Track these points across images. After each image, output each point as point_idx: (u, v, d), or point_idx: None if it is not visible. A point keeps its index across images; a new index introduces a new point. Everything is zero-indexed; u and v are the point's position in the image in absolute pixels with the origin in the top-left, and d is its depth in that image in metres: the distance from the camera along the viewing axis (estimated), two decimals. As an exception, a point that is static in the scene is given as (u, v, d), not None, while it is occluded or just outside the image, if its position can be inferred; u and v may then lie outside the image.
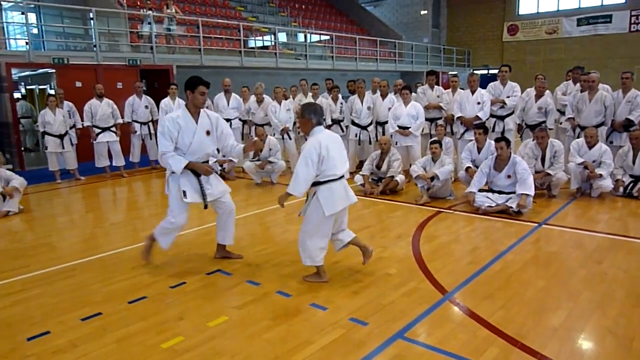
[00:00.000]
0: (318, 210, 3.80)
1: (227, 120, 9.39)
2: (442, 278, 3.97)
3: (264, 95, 9.36)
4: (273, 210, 6.44)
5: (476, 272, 4.10)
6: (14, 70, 10.47)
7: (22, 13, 10.47)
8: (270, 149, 7.95)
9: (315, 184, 3.81)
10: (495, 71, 8.53)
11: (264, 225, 5.80)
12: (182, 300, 3.68)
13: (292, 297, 3.66)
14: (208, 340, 3.07)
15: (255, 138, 6.29)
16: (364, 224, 5.65)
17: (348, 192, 3.95)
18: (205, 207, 4.24)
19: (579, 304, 3.47)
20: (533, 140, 6.66)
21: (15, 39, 11.85)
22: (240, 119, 9.60)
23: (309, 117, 3.83)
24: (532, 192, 5.75)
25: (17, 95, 12.80)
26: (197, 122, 4.14)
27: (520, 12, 24.32)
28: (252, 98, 9.35)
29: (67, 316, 3.45)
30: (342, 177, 3.89)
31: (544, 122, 7.42)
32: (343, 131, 8.83)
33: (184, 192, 4.14)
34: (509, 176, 5.94)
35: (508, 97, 7.56)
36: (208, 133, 4.20)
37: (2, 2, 11.28)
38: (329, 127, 8.79)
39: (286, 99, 9.14)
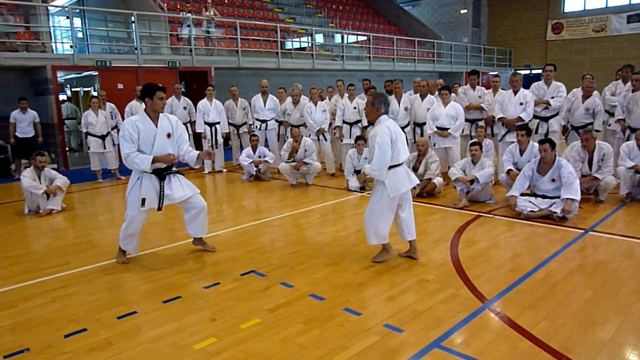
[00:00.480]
0: (384, 192, 4.16)
1: (264, 121, 9.48)
2: (482, 285, 3.82)
3: (302, 96, 9.35)
4: (308, 211, 6.40)
5: (517, 280, 3.93)
6: (60, 73, 10.86)
7: (68, 17, 10.83)
8: (305, 150, 7.92)
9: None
10: (538, 71, 8.24)
11: (298, 227, 5.76)
12: (215, 301, 3.68)
13: (325, 301, 3.59)
14: (240, 342, 3.04)
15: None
16: (400, 227, 5.52)
17: (410, 175, 4.32)
18: (159, 209, 4.47)
19: (629, 317, 3.26)
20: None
21: (62, 42, 12.29)
22: (276, 120, 9.62)
23: (379, 106, 4.18)
24: (578, 197, 5.49)
25: (62, 97, 13.29)
26: (156, 126, 4.33)
27: (566, 10, 23.49)
28: (289, 99, 9.35)
29: (104, 314, 3.50)
30: (403, 162, 4.28)
31: (591, 124, 7.09)
32: (379, 132, 8.70)
33: (143, 200, 4.35)
34: (553, 180, 5.69)
35: (553, 97, 7.26)
36: (169, 135, 4.39)
37: (49, 7, 11.70)
38: (364, 128, 8.71)
39: (322, 100, 9.10)
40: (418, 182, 4.35)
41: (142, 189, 4.34)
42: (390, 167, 4.12)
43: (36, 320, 3.46)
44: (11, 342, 3.14)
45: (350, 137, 8.66)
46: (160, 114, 4.37)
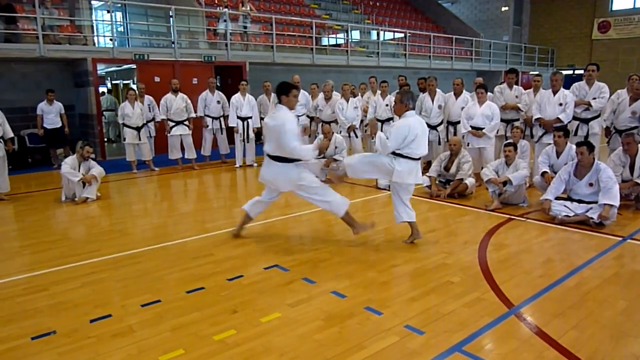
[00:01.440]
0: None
1: (296, 116, 9.47)
2: (509, 290, 3.70)
3: (334, 92, 9.31)
4: (335, 208, 6.35)
5: (547, 286, 3.79)
6: (101, 66, 11.18)
7: (109, 12, 11.12)
8: (336, 147, 7.89)
9: (396, 154, 4.48)
10: (582, 71, 7.91)
11: (325, 224, 5.74)
12: (238, 293, 3.70)
13: (347, 299, 3.56)
14: (259, 335, 3.05)
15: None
16: (429, 227, 5.43)
17: (418, 173, 4.61)
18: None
19: (666, 330, 3.10)
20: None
21: (103, 36, 12.64)
22: (307, 116, 9.61)
23: (407, 102, 4.49)
24: (617, 203, 5.26)
25: (102, 89, 13.67)
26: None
27: (614, 8, 22.62)
28: (321, 95, 9.33)
29: (129, 301, 3.58)
30: (419, 158, 4.58)
31: (636, 127, 6.78)
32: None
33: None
34: (591, 184, 5.47)
35: (594, 98, 6.98)
36: None
37: (91, 2, 12.04)
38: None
39: (354, 97, 9.03)
40: (422, 182, 4.80)
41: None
42: (403, 157, 4.45)
43: (65, 304, 3.56)
44: (40, 324, 3.24)
45: (381, 135, 8.56)
46: None
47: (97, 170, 6.91)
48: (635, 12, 21.92)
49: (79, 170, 6.79)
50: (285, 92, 4.57)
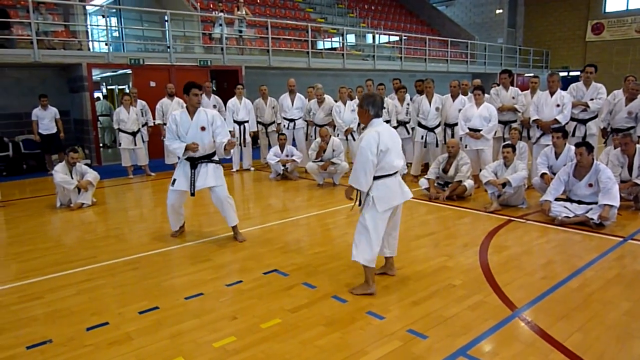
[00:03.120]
0: (372, 206, 3.60)
1: (291, 120, 9.45)
2: (512, 293, 3.66)
3: (326, 96, 9.29)
4: (334, 212, 6.32)
5: (550, 288, 3.75)
6: (96, 72, 11.11)
7: (104, 17, 11.06)
8: (333, 150, 7.85)
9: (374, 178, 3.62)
10: (576, 73, 7.92)
11: (324, 227, 5.69)
12: (237, 299, 3.64)
13: (348, 303, 3.51)
14: (260, 342, 2.99)
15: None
16: (428, 230, 5.39)
17: (403, 187, 3.76)
18: (192, 194, 4.96)
19: (672, 331, 3.06)
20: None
21: (98, 41, 12.56)
22: (304, 119, 9.58)
23: (367, 108, 3.65)
24: (617, 203, 5.23)
25: (97, 94, 13.59)
26: (191, 119, 4.86)
27: (607, 10, 22.73)
28: (315, 99, 9.29)
29: (126, 308, 3.51)
30: (396, 172, 3.71)
31: (633, 127, 6.77)
32: (409, 133, 8.57)
33: (174, 181, 4.96)
34: (590, 185, 5.45)
35: (592, 99, 6.97)
36: (203, 128, 4.84)
37: (86, 7, 11.98)
38: (394, 128, 8.56)
39: (351, 100, 9.00)
40: (411, 196, 3.81)
41: (176, 171, 5.02)
42: (380, 178, 3.59)
43: (61, 312, 3.49)
44: (35, 333, 3.18)
45: (379, 138, 8.52)
46: (200, 109, 4.90)
47: (91, 175, 6.84)
48: (628, 14, 22.04)
49: (71, 177, 6.71)
50: (186, 91, 4.83)
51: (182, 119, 4.88)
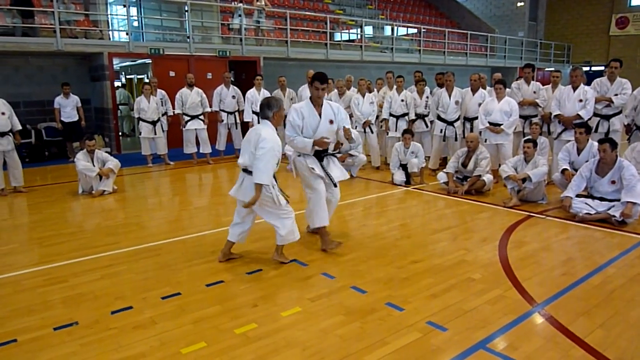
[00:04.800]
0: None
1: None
2: (531, 288, 3.65)
3: (353, 88, 9.28)
4: (351, 204, 6.34)
5: (571, 284, 3.73)
6: (115, 61, 11.22)
7: (125, 6, 11.15)
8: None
9: None
10: (598, 68, 7.78)
11: (341, 219, 5.71)
12: (257, 287, 3.69)
13: (367, 294, 3.53)
14: (280, 330, 3.03)
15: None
16: (446, 224, 5.38)
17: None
18: (335, 185, 4.60)
19: (695, 330, 3.03)
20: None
21: (118, 30, 12.67)
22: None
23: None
24: None
25: (116, 84, 13.72)
26: (319, 113, 4.44)
27: (633, 3, 22.23)
28: (335, 90, 9.28)
29: (149, 293, 3.58)
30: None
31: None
32: (427, 126, 8.52)
33: (312, 168, 4.47)
34: (613, 182, 5.38)
35: (616, 94, 6.86)
36: (331, 122, 4.45)
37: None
38: (412, 122, 8.53)
39: (370, 92, 8.97)
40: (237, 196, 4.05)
41: (308, 162, 4.50)
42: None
43: (85, 295, 3.57)
44: (61, 315, 3.26)
45: (396, 130, 8.52)
46: (325, 102, 4.50)
47: (112, 163, 6.93)
48: (654, 8, 21.57)
49: (92, 164, 6.82)
50: (310, 82, 4.56)
51: (308, 112, 4.43)
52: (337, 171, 4.68)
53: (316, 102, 4.45)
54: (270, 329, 3.04)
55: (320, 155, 4.54)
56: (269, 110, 4.03)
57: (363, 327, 3.05)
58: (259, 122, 9.70)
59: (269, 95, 9.54)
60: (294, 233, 4.11)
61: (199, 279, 3.85)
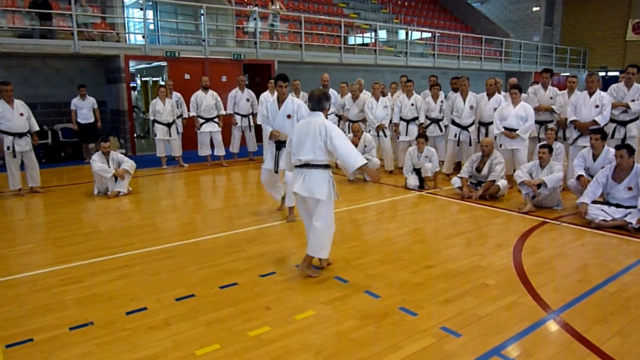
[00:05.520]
0: (333, 194, 3.94)
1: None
2: (547, 294, 3.61)
3: (365, 91, 9.27)
4: (364, 207, 6.33)
5: (587, 291, 3.69)
6: (131, 64, 11.35)
7: (141, 9, 11.28)
8: (365, 146, 7.84)
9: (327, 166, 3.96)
10: (614, 73, 7.68)
11: (354, 223, 5.71)
12: (271, 290, 3.70)
13: (380, 299, 3.53)
14: (294, 333, 3.03)
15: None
16: (460, 229, 5.35)
17: (296, 183, 4.04)
18: (275, 172, 5.50)
19: None
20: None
21: (134, 33, 12.83)
22: (336, 114, 9.59)
23: (308, 104, 4.14)
24: (657, 208, 5.10)
25: (132, 86, 13.85)
26: (278, 108, 5.36)
27: (649, 9, 21.97)
28: (348, 94, 9.29)
29: (164, 295, 3.61)
30: (303, 166, 3.94)
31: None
32: (442, 131, 8.49)
33: (265, 160, 5.64)
34: (630, 188, 5.31)
35: (633, 100, 6.78)
36: (289, 116, 5.28)
37: (124, 0, 12.24)
38: (426, 126, 8.50)
39: (384, 96, 8.96)
40: (302, 193, 3.88)
41: (265, 152, 5.72)
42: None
43: (101, 296, 3.61)
44: (77, 315, 3.30)
45: (406, 135, 8.50)
46: (288, 99, 5.35)
47: (128, 164, 7.01)
48: (672, 13, 21.28)
49: (108, 165, 6.90)
50: (274, 82, 5.40)
51: (272, 106, 5.41)
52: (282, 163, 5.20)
53: (280, 98, 5.34)
54: (284, 331, 3.05)
55: (279, 145, 5.36)
56: (327, 101, 4.03)
57: (377, 332, 3.05)
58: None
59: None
60: (324, 248, 3.95)
61: (213, 280, 3.87)
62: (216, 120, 9.47)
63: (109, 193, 6.87)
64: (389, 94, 9.63)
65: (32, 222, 5.89)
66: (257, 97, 9.81)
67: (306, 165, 3.87)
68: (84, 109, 9.83)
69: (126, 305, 3.45)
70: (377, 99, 8.65)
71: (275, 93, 5.51)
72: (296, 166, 3.96)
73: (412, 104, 8.49)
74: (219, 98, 9.50)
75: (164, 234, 5.20)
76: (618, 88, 6.98)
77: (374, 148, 8.00)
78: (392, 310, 3.33)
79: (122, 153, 9.21)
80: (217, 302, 3.49)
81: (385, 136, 8.67)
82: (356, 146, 7.79)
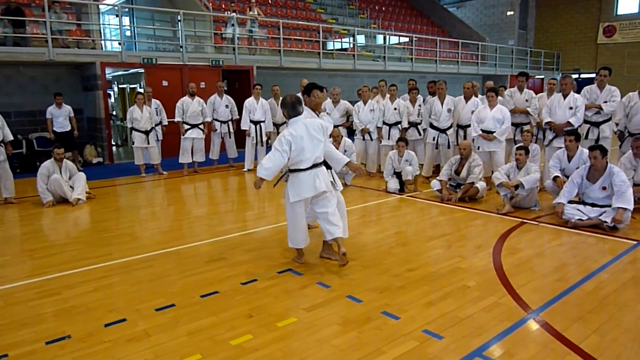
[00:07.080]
0: (287, 197, 4.17)
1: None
2: (526, 294, 3.66)
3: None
4: (346, 212, 6.32)
5: (565, 290, 3.75)
6: (108, 70, 11.20)
7: (117, 16, 11.16)
8: (345, 151, 7.85)
9: (289, 170, 4.14)
10: (587, 76, 7.88)
11: (336, 227, 5.69)
12: (252, 297, 3.67)
13: (363, 303, 3.53)
14: (276, 340, 3.01)
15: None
16: (440, 232, 5.40)
17: (316, 182, 4.08)
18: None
19: (689, 335, 3.05)
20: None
21: (110, 40, 12.67)
22: (316, 120, 9.58)
23: (283, 111, 4.13)
24: (631, 207, 5.21)
25: (109, 93, 13.69)
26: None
27: (619, 12, 22.60)
28: (329, 99, 9.31)
29: (143, 305, 3.55)
30: (312, 167, 4.07)
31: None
32: (420, 134, 8.56)
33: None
34: (604, 188, 5.43)
35: (605, 102, 6.94)
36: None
37: (99, 6, 12.09)
38: (404, 130, 8.58)
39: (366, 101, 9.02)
40: (323, 189, 4.09)
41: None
42: (294, 171, 4.09)
43: (78, 308, 3.54)
44: (54, 329, 3.22)
45: (389, 139, 8.56)
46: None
47: (79, 182, 7.06)
48: (640, 17, 21.89)
49: (60, 173, 6.92)
50: (307, 92, 4.51)
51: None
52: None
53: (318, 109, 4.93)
54: (266, 339, 3.03)
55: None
56: (300, 105, 4.12)
57: (359, 337, 3.04)
58: (256, 131, 9.76)
59: (267, 104, 9.56)
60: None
61: (193, 289, 3.83)
62: (201, 127, 9.39)
63: (71, 201, 6.81)
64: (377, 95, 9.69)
65: (6, 233, 5.75)
66: (237, 103, 9.77)
67: (315, 165, 4.10)
68: (60, 118, 9.64)
69: (105, 317, 3.38)
70: (365, 103, 8.69)
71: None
72: (304, 169, 4.07)
73: (395, 108, 8.56)
74: (205, 105, 9.43)
75: (143, 243, 5.13)
76: (591, 90, 7.14)
77: (355, 152, 8.02)
78: (374, 315, 3.34)
79: (99, 162, 9.11)
80: (198, 311, 3.45)
81: (371, 139, 8.71)
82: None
